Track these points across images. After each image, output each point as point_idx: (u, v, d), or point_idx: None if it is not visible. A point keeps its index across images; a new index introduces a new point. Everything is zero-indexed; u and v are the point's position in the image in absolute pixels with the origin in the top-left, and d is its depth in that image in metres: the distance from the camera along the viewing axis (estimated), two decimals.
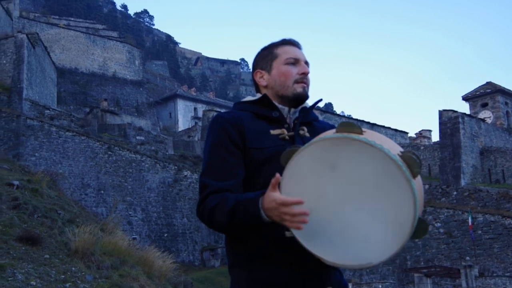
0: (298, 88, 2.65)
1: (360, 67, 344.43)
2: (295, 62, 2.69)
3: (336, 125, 2.67)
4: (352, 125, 2.14)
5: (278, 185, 2.26)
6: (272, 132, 2.60)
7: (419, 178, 2.10)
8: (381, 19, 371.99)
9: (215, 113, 34.41)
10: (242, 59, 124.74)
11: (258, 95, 2.76)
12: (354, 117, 60.32)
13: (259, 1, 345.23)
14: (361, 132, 2.11)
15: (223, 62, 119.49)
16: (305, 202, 2.15)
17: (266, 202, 2.15)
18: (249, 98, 2.80)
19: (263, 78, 2.75)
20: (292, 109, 2.68)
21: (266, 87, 2.73)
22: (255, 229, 2.34)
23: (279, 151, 2.43)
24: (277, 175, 2.15)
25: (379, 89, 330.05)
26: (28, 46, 37.70)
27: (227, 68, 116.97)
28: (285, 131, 2.61)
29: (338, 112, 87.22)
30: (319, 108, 57.47)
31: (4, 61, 37.23)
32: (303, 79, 2.68)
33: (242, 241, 2.50)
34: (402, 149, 2.12)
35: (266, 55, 2.77)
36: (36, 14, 72.75)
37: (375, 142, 2.04)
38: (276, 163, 2.36)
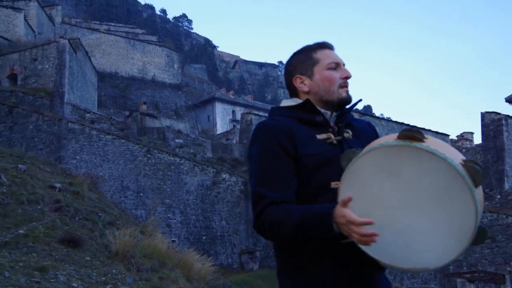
0: (343, 93, 2.63)
1: (399, 68, 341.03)
2: (336, 66, 2.67)
3: (373, 125, 2.66)
4: (414, 132, 2.11)
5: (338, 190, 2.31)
6: (318, 137, 2.56)
7: (480, 187, 2.07)
8: (420, 17, 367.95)
9: (253, 116, 34.50)
10: (280, 62, 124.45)
11: (296, 100, 2.72)
12: (393, 119, 59.54)
13: (297, 3, 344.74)
14: (422, 140, 2.10)
15: (261, 65, 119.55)
16: (364, 206, 2.18)
17: (337, 216, 2.16)
18: (286, 102, 2.77)
19: (304, 84, 2.71)
20: (334, 113, 2.66)
21: (307, 92, 2.69)
22: (321, 240, 2.32)
23: (329, 156, 2.46)
24: (349, 195, 2.13)
25: (418, 90, 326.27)
26: (69, 51, 38.21)
27: (265, 71, 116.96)
28: (332, 136, 2.57)
29: (377, 114, 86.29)
30: (358, 111, 57.09)
31: (47, 66, 37.81)
32: (346, 83, 2.66)
33: (294, 249, 2.46)
34: (463, 157, 2.09)
35: (305, 60, 2.73)
36: (78, 20, 73.85)
37: (437, 150, 2.04)
38: (327, 168, 2.40)
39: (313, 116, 2.62)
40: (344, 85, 2.65)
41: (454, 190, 2.01)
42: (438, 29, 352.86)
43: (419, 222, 2.10)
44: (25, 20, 47.65)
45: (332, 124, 2.63)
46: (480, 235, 2.07)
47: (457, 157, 2.07)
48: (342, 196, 2.24)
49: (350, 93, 2.68)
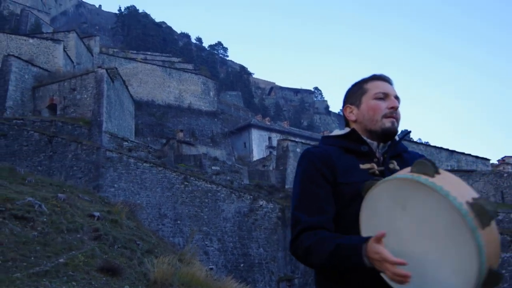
0: (387, 123, 2.65)
1: (436, 91, 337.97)
2: (385, 96, 2.69)
3: (422, 155, 2.65)
4: (425, 165, 2.15)
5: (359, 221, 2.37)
6: (362, 166, 2.61)
7: (492, 227, 2.03)
8: (461, 44, 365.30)
9: (289, 142, 34.49)
10: (316, 88, 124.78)
11: (346, 129, 2.76)
12: (431, 144, 58.84)
13: (332, 29, 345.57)
14: (433, 174, 2.12)
15: (296, 91, 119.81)
16: (378, 232, 2.18)
17: (370, 252, 2.17)
18: (337, 132, 2.83)
19: (352, 113, 2.77)
20: (381, 144, 2.66)
21: (355, 121, 2.75)
22: (353, 270, 2.33)
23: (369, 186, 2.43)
24: (383, 231, 2.15)
25: (458, 115, 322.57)
26: (107, 80, 38.76)
27: (301, 97, 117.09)
28: (375, 166, 2.61)
29: (415, 139, 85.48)
30: None
31: (85, 96, 38.39)
32: (392, 113, 2.66)
33: (332, 278, 2.49)
34: (476, 195, 2.07)
35: (356, 91, 2.79)
36: (115, 50, 75.15)
37: (442, 187, 2.04)
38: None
39: (358, 146, 2.67)
40: (390, 116, 2.66)
41: (456, 230, 2.01)
42: (488, 48, 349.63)
43: (428, 257, 2.10)
44: (64, 51, 48.62)
45: (378, 154, 2.66)
46: (491, 279, 2.03)
47: (466, 195, 2.05)
48: (362, 225, 2.35)
49: (398, 124, 2.68)
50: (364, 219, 2.33)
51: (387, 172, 2.59)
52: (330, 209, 2.53)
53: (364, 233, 2.33)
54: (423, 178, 2.10)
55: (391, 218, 2.20)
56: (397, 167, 2.62)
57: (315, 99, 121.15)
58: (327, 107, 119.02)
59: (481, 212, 1.97)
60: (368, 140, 2.67)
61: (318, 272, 2.59)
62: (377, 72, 2.91)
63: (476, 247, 1.95)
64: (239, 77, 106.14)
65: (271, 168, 49.92)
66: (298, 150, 43.16)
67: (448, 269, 2.04)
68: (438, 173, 2.13)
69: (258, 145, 69.00)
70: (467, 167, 45.91)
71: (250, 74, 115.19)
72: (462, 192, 2.06)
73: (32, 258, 10.85)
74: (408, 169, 2.23)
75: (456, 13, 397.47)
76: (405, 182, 2.16)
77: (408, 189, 2.14)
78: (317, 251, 2.37)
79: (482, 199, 2.02)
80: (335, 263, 2.31)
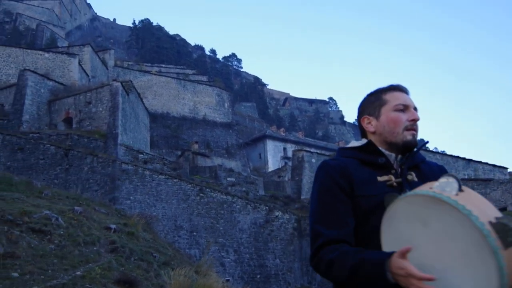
0: (408, 136, 2.63)
1: (454, 100, 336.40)
2: (405, 108, 2.67)
3: (445, 169, 2.62)
4: (448, 181, 2.13)
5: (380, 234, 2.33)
6: (379, 178, 2.58)
7: None
8: (477, 56, 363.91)
9: (304, 153, 34.44)
10: (330, 98, 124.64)
11: (363, 140, 2.74)
12: (448, 153, 58.48)
13: (346, 40, 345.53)
14: (456, 192, 2.10)
15: (311, 101, 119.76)
16: (404, 247, 2.16)
17: (395, 267, 2.15)
18: (353, 143, 2.80)
19: (370, 124, 2.74)
20: (399, 155, 2.64)
21: (373, 133, 2.72)
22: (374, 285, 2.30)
23: None
24: (409, 246, 2.13)
25: (475, 123, 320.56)
26: (122, 93, 38.95)
27: (316, 108, 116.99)
28: (393, 178, 2.59)
29: (431, 148, 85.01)
30: None
31: (101, 109, 38.59)
32: (413, 125, 2.64)
33: None
34: (499, 215, 2.04)
35: (374, 101, 2.76)
36: (130, 63, 75.61)
37: (464, 206, 2.02)
38: (384, 211, 2.35)
39: (375, 158, 2.65)
40: (411, 128, 2.64)
41: (478, 249, 1.98)
42: (497, 60, 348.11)
43: (450, 275, 2.07)
44: (80, 65, 48.97)
45: (395, 166, 2.64)
46: None
47: (489, 215, 2.02)
48: (383, 239, 2.32)
49: (417, 136, 2.67)
50: (385, 233, 2.32)
51: (405, 183, 2.57)
52: (350, 222, 2.51)
53: (385, 247, 2.31)
54: (445, 195, 2.08)
55: (412, 234, 2.18)
56: (415, 179, 2.60)
57: (330, 109, 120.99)
58: (342, 117, 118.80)
59: (504, 232, 1.94)
60: (386, 152, 2.65)
61: (338, 286, 2.55)
62: (393, 82, 2.87)
63: (497, 268, 1.92)
64: (254, 88, 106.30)
65: (286, 178, 49.85)
66: (313, 160, 43.08)
67: (468, 286, 2.01)
68: (461, 190, 2.11)
69: (273, 156, 68.95)
70: (485, 176, 45.49)
71: (264, 85, 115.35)
72: (485, 211, 2.04)
73: (50, 271, 10.89)
74: (431, 184, 2.21)
75: (471, 28, 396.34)
76: (427, 199, 2.13)
77: (430, 205, 2.12)
78: (339, 265, 2.35)
79: (506, 219, 1.99)
80: (358, 278, 2.29)
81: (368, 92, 2.85)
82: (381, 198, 2.47)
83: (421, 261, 2.13)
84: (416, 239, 2.17)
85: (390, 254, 2.19)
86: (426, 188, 2.20)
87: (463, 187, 2.13)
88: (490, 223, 1.97)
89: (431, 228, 2.12)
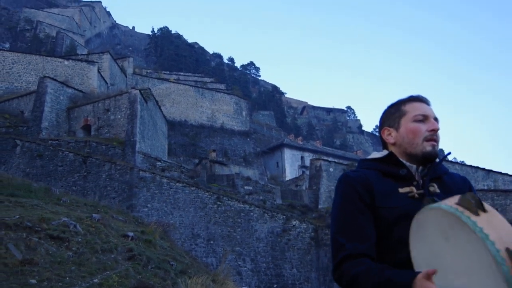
0: (428, 147, 2.60)
1: (472, 110, 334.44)
2: (424, 118, 2.65)
3: (468, 181, 2.60)
4: (471, 202, 2.10)
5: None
6: (401, 190, 2.57)
7: None
8: (490, 68, 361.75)
9: (322, 162, 34.31)
10: (348, 107, 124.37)
11: (384, 152, 2.72)
12: (467, 163, 58.07)
13: (365, 49, 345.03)
14: (477, 212, 2.07)
15: (329, 110, 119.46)
16: (426, 262, 2.22)
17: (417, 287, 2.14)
18: (374, 154, 2.78)
19: (390, 136, 2.73)
20: (421, 166, 2.62)
21: (394, 144, 2.71)
22: None
23: (409, 210, 2.43)
24: (434, 269, 2.11)
25: (495, 134, 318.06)
26: (141, 101, 39.09)
27: (333, 117, 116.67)
28: (414, 189, 2.56)
29: (451, 158, 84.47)
30: None
31: (119, 116, 38.77)
32: (433, 136, 2.62)
33: None
34: None
35: (394, 112, 2.75)
36: (148, 71, 76.00)
37: (482, 229, 2.00)
38: (407, 223, 2.34)
39: (396, 169, 2.63)
40: (431, 139, 2.61)
41: (492, 274, 1.96)
42: None
43: None
44: (99, 72, 49.26)
45: (417, 177, 2.61)
46: None
47: (507, 240, 1.99)
48: (413, 250, 2.30)
49: (438, 147, 2.64)
50: (412, 239, 2.31)
51: (427, 195, 2.53)
52: (372, 235, 2.50)
53: (414, 253, 2.31)
54: (465, 215, 2.06)
55: (435, 248, 2.18)
56: (438, 190, 2.58)
57: (348, 118, 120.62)
58: (360, 126, 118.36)
59: None
60: (407, 163, 2.63)
61: None
62: (413, 93, 2.85)
63: None
64: (272, 96, 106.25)
65: (304, 187, 49.74)
66: (331, 169, 42.94)
67: None
68: (484, 211, 2.08)
69: (291, 164, 68.83)
70: (504, 186, 45.12)
71: (282, 93, 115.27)
72: (504, 236, 2.00)
73: (67, 278, 10.94)
74: (456, 198, 2.18)
75: (494, 44, 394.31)
76: (449, 215, 2.12)
77: (451, 222, 2.11)
78: (363, 282, 2.34)
79: None
80: None
81: (389, 103, 2.84)
82: (404, 209, 2.47)
83: (442, 278, 2.12)
84: (439, 253, 2.16)
85: (415, 274, 2.18)
86: (451, 203, 2.18)
87: (488, 208, 2.10)
88: (507, 249, 1.94)
89: (452, 243, 2.11)
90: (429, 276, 2.10)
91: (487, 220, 2.04)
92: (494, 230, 1.99)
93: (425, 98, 2.75)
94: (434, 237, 2.18)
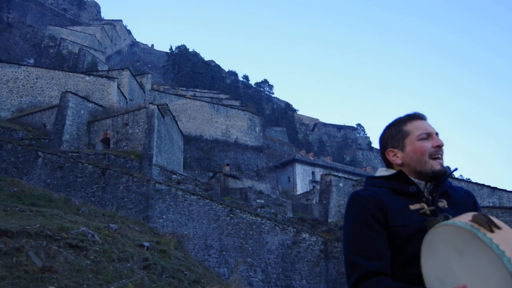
0: (436, 166, 2.61)
1: (477, 127, 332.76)
2: (428, 136, 2.67)
3: (472, 195, 2.60)
4: (485, 220, 2.11)
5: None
6: (412, 207, 2.57)
7: None
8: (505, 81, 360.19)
9: (332, 177, 34.16)
10: (359, 124, 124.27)
11: (391, 170, 2.73)
12: (473, 180, 57.65)
13: (375, 67, 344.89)
14: (491, 230, 2.08)
15: (339, 127, 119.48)
16: (439, 276, 2.21)
17: None
18: (382, 172, 2.78)
19: (396, 157, 2.73)
20: (428, 183, 2.62)
21: (401, 164, 2.70)
22: None
23: (422, 227, 2.44)
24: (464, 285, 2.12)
25: (500, 151, 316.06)
26: (158, 116, 39.25)
27: (344, 133, 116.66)
28: (425, 206, 2.57)
29: (457, 175, 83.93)
30: None
31: (137, 130, 38.92)
32: (438, 152, 2.64)
33: None
34: None
35: (396, 134, 2.75)
36: (166, 87, 76.39)
37: (498, 246, 2.00)
38: (420, 239, 2.35)
39: (406, 187, 2.63)
40: (437, 156, 2.63)
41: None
42: None
43: None
44: (118, 88, 49.55)
45: (426, 194, 2.62)
46: None
47: None
48: (424, 266, 2.30)
49: (445, 163, 2.66)
50: (424, 255, 2.31)
51: (438, 211, 2.55)
52: (387, 254, 2.50)
53: (425, 268, 2.31)
54: (481, 232, 2.07)
55: (448, 262, 2.18)
56: (446, 206, 2.58)
57: (358, 135, 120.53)
58: (370, 143, 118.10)
59: None
60: (416, 180, 2.63)
61: None
62: (414, 110, 2.86)
63: None
64: (284, 113, 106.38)
65: (314, 202, 49.60)
66: (341, 184, 42.84)
67: None
68: (498, 228, 2.09)
69: (302, 179, 68.75)
70: (509, 204, 44.87)
71: (294, 110, 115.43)
72: None
73: (85, 286, 10.96)
74: (469, 216, 2.19)
75: (499, 60, 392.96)
76: (464, 232, 2.12)
77: (466, 238, 2.11)
78: None
79: None
80: None
81: (387, 123, 2.85)
82: (417, 226, 2.48)
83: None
84: (452, 267, 2.16)
85: None
86: (465, 219, 2.19)
87: (502, 225, 2.11)
88: None
89: (466, 258, 2.11)
90: None
91: (502, 237, 2.05)
92: (509, 247, 2.00)
93: (422, 115, 2.76)
94: (447, 253, 2.19)
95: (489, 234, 2.04)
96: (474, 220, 2.13)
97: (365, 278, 2.42)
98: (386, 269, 2.44)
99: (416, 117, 2.74)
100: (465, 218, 2.20)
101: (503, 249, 1.98)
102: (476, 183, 48.23)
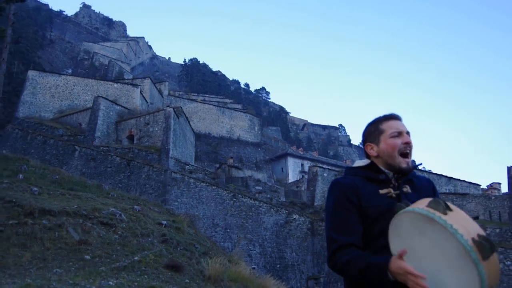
0: (403, 164, 2.65)
1: (439, 126, 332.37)
2: (399, 134, 2.70)
3: (432, 182, 2.67)
4: (439, 204, 2.17)
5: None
6: (381, 191, 2.62)
7: (493, 257, 2.05)
8: (457, 86, 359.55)
9: (318, 168, 34.14)
10: (340, 125, 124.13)
11: (366, 161, 2.79)
12: (433, 171, 57.70)
13: (353, 76, 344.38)
14: (445, 212, 2.13)
15: (324, 127, 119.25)
16: (399, 247, 2.25)
17: (394, 267, 2.21)
18: (358, 163, 2.83)
19: (373, 150, 2.77)
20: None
21: (376, 156, 2.75)
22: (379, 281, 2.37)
23: (388, 207, 2.50)
24: (404, 249, 2.20)
25: (456, 146, 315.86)
26: (174, 117, 39.26)
27: (328, 132, 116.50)
28: (391, 190, 2.62)
29: (420, 168, 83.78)
30: None
31: (156, 129, 38.95)
32: (406, 148, 2.67)
33: (360, 285, 2.52)
34: (481, 233, 2.08)
35: (373, 131, 2.79)
36: (180, 92, 76.29)
37: (452, 225, 2.06)
38: (387, 217, 2.42)
39: (377, 175, 2.68)
40: (405, 152, 2.67)
41: (463, 260, 2.03)
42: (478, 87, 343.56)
43: (440, 276, 2.12)
44: (141, 93, 49.50)
45: (393, 181, 2.67)
46: None
47: (471, 232, 2.06)
48: (391, 241, 2.35)
49: (411, 157, 2.70)
50: (391, 236, 2.35)
51: (402, 195, 2.60)
52: (359, 229, 2.55)
53: (392, 247, 2.36)
54: (437, 215, 2.11)
55: (411, 239, 2.22)
56: (410, 191, 2.63)
57: (340, 134, 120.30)
58: (349, 140, 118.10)
59: (483, 248, 1.99)
60: (386, 170, 2.69)
61: (348, 280, 2.61)
62: (389, 111, 2.92)
63: (478, 275, 1.98)
64: (279, 115, 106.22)
65: (303, 188, 49.66)
66: (325, 174, 42.89)
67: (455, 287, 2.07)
68: (450, 210, 2.15)
69: (293, 170, 68.72)
70: (462, 191, 45.11)
71: (287, 113, 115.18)
72: (469, 229, 2.07)
73: (114, 256, 11.05)
74: (426, 201, 2.24)
75: (454, 60, 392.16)
76: (422, 216, 2.17)
77: (425, 221, 2.16)
78: (351, 267, 2.40)
79: (485, 237, 2.03)
80: (366, 276, 2.35)
81: (368, 121, 2.88)
82: (385, 207, 2.54)
83: (417, 262, 2.18)
84: (414, 244, 2.21)
85: (390, 257, 2.27)
86: (423, 206, 2.23)
87: (452, 207, 2.17)
88: (473, 239, 2.02)
89: (426, 237, 2.16)
90: (401, 256, 2.18)
91: (454, 218, 2.10)
92: (461, 225, 2.06)
93: (397, 115, 2.78)
94: (409, 234, 2.23)
95: (443, 217, 2.09)
96: (429, 205, 2.18)
97: (339, 250, 2.49)
98: (358, 242, 2.50)
99: (392, 117, 2.77)
100: (423, 204, 2.24)
101: (456, 228, 2.04)
102: (436, 174, 48.45)
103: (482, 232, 2.08)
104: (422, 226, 2.17)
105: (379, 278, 2.30)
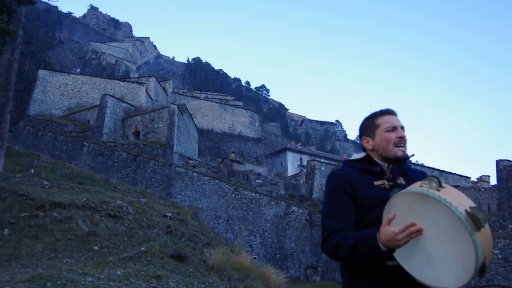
0: (399, 152, 2.66)
1: (432, 123, 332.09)
2: (393, 128, 2.71)
3: (426, 174, 2.69)
4: (432, 181, 2.19)
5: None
6: (375, 183, 2.63)
7: (486, 229, 2.08)
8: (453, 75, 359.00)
9: (316, 162, 34.11)
10: (337, 120, 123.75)
11: (362, 154, 2.81)
12: (426, 165, 57.80)
13: (351, 72, 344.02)
14: (438, 188, 2.16)
15: (322, 123, 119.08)
16: (390, 215, 2.24)
17: (384, 234, 2.22)
18: (355, 156, 2.84)
19: (369, 143, 2.78)
20: (391, 165, 2.70)
21: (372, 150, 2.76)
22: (370, 259, 2.37)
23: (382, 198, 2.49)
24: (394, 213, 2.21)
25: (446, 139, 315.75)
26: (178, 113, 39.27)
27: (325, 128, 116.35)
28: (386, 182, 2.63)
29: (413, 161, 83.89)
30: None
31: (161, 125, 38.96)
32: (401, 142, 2.68)
33: (355, 268, 2.54)
34: (473, 205, 2.09)
35: (369, 125, 2.80)
36: (184, 90, 76.16)
37: (446, 199, 2.07)
38: (381, 207, 2.41)
39: (372, 167, 2.69)
40: (400, 145, 2.68)
41: (458, 231, 2.04)
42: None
43: (438, 251, 2.13)
44: (146, 91, 49.47)
45: (388, 173, 2.68)
46: (483, 269, 2.07)
47: (464, 204, 2.08)
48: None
49: (406, 148, 2.71)
50: (384, 218, 2.33)
51: (396, 186, 2.60)
52: (352, 217, 2.56)
53: None
54: (430, 192, 2.13)
55: (406, 220, 2.20)
56: (403, 182, 2.64)
57: (336, 129, 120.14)
58: (346, 135, 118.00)
59: (476, 219, 2.01)
60: (380, 163, 2.70)
61: (346, 268, 2.62)
62: (384, 106, 2.93)
63: (474, 245, 2.00)
64: (278, 111, 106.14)
65: (301, 182, 49.70)
66: (322, 168, 42.92)
67: (453, 260, 2.08)
68: (442, 187, 2.17)
69: (292, 164, 68.72)
70: (453, 183, 45.17)
71: (286, 109, 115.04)
72: (462, 202, 2.09)
73: (121, 246, 11.10)
74: (419, 183, 2.25)
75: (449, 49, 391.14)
76: (417, 195, 2.19)
77: (419, 199, 2.17)
78: (342, 246, 2.41)
79: (477, 208, 2.04)
80: (357, 252, 2.35)
81: (365, 116, 2.88)
82: (378, 198, 2.54)
83: (415, 241, 2.18)
84: (408, 220, 2.20)
85: (379, 228, 2.27)
86: (416, 186, 2.25)
87: (443, 184, 2.19)
88: (466, 211, 2.03)
89: (421, 216, 2.16)
90: (389, 221, 2.18)
91: (447, 193, 2.13)
92: (454, 199, 2.08)
93: (393, 111, 2.79)
94: (404, 215, 2.22)
95: (436, 192, 2.11)
96: (423, 184, 2.20)
97: (332, 234, 2.50)
98: (349, 227, 2.51)
99: (387, 112, 2.77)
100: (415, 185, 2.27)
101: (450, 201, 2.06)
102: (428, 167, 48.61)
103: (474, 204, 2.10)
104: (417, 205, 2.18)
105: (371, 252, 2.29)
